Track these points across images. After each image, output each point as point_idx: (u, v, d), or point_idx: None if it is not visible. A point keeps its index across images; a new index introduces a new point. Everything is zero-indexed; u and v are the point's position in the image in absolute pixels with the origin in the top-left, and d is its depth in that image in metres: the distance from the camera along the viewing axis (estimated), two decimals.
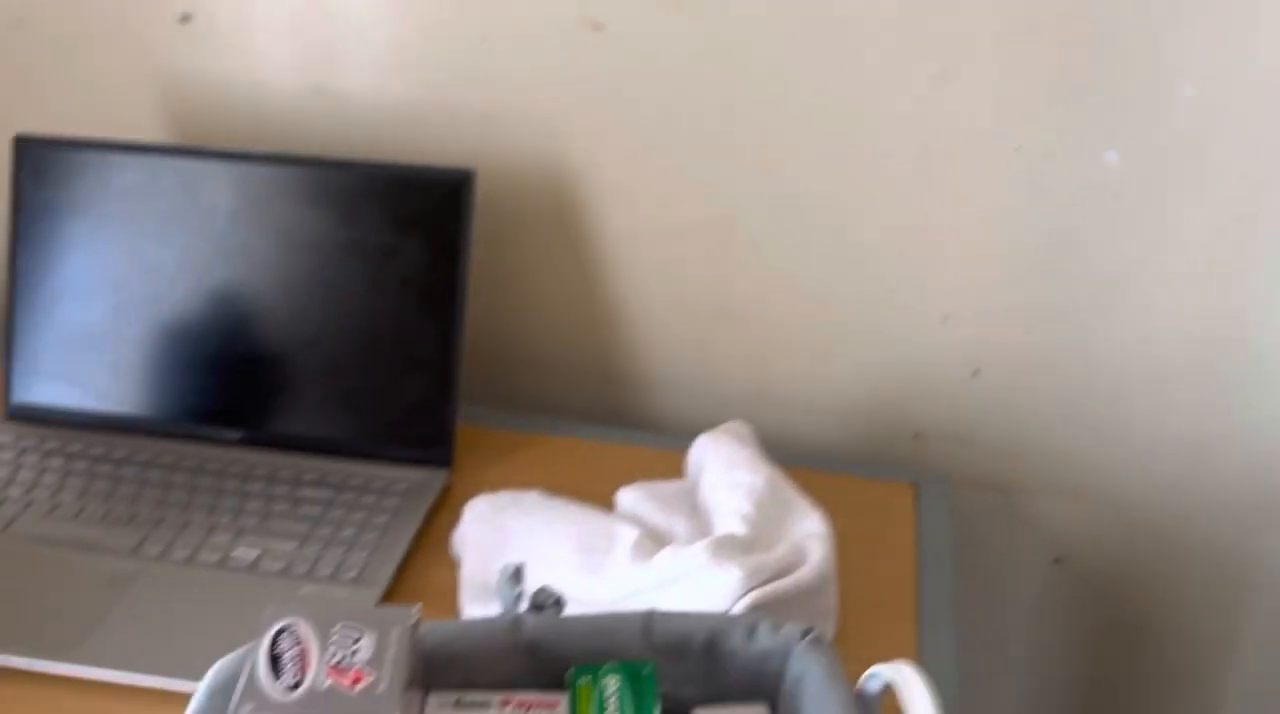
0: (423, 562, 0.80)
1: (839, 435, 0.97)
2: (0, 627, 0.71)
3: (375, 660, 0.48)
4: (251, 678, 0.47)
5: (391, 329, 0.86)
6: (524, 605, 0.57)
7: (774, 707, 0.56)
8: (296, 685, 0.46)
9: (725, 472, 0.78)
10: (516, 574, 0.57)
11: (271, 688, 0.46)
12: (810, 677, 0.53)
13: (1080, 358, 0.91)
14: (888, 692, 0.53)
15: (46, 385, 0.90)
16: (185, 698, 0.67)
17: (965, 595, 1.01)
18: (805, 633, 0.55)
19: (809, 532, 0.73)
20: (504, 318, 0.99)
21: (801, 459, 0.92)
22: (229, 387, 0.88)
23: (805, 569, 0.69)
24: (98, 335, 0.89)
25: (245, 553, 0.77)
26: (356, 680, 0.47)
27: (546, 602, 0.57)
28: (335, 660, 0.48)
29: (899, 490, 0.89)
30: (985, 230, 0.87)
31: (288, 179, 0.86)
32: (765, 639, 0.55)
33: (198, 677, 0.68)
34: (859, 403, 0.96)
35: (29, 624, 0.71)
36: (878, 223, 0.89)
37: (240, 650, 0.52)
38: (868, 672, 0.52)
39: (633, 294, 0.96)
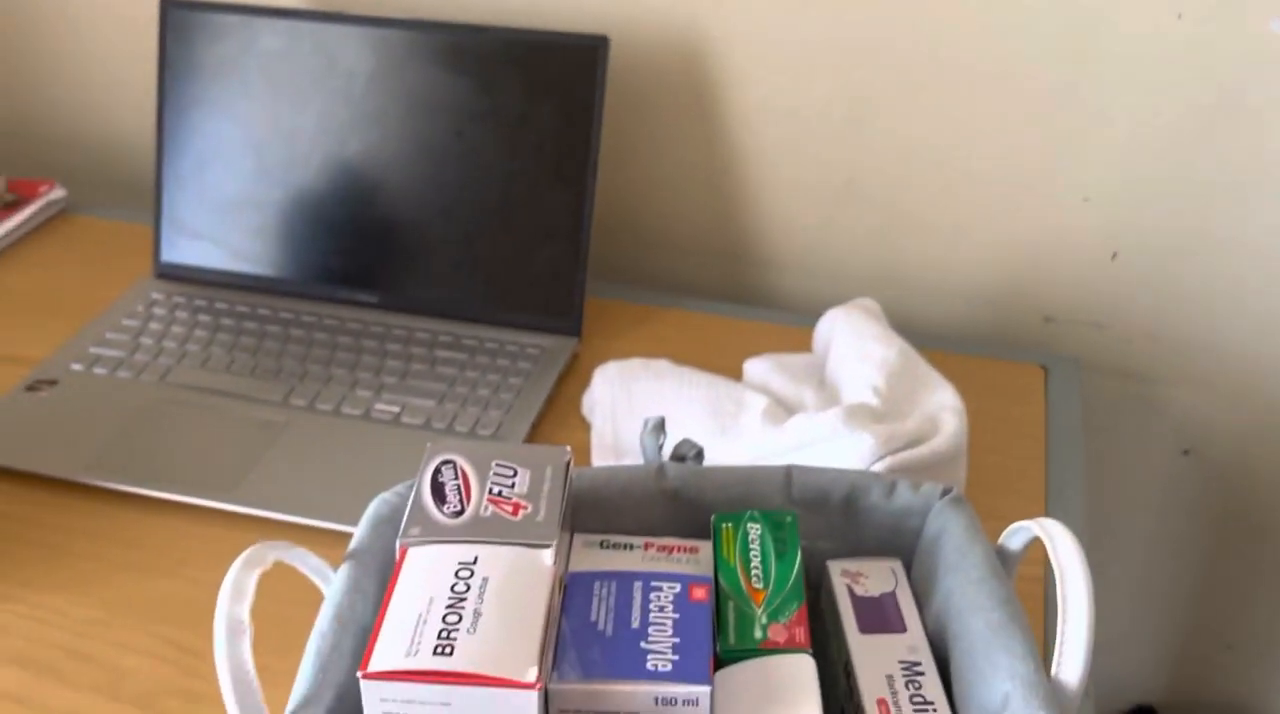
0: (554, 423, 0.82)
1: (965, 317, 0.96)
2: (166, 466, 0.75)
3: (532, 494, 0.50)
4: (417, 505, 0.49)
5: (523, 197, 0.87)
6: (666, 455, 0.59)
7: (908, 563, 0.57)
8: (460, 513, 0.48)
9: (856, 344, 0.77)
10: (659, 425, 0.58)
11: (437, 513, 0.48)
12: (950, 532, 0.54)
13: (1226, 243, 0.87)
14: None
15: (192, 245, 0.94)
16: (334, 535, 0.71)
17: (1091, 483, 1.01)
18: (945, 491, 0.56)
19: (942, 404, 0.73)
20: (631, 194, 0.99)
21: (927, 340, 0.91)
22: (365, 251, 0.91)
23: (939, 439, 0.69)
24: (240, 198, 0.92)
25: (386, 407, 0.80)
26: (516, 510, 0.49)
27: (688, 453, 0.58)
28: (495, 492, 0.50)
29: (1028, 373, 0.88)
30: (1137, 105, 0.84)
31: (424, 44, 0.87)
32: (904, 496, 0.56)
33: (344, 518, 0.72)
34: (989, 284, 0.94)
35: (192, 464, 0.76)
36: (1020, 96, 0.86)
37: (400, 486, 0.54)
38: (1010, 527, 0.53)
39: (760, 170, 0.95)
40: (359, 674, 0.42)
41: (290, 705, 0.44)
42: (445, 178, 0.88)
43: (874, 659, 0.51)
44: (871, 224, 0.95)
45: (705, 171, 0.96)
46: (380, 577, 0.50)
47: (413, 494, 0.50)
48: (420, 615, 0.43)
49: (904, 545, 0.57)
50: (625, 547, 0.55)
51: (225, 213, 0.93)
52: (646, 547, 0.55)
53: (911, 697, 0.49)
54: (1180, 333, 0.92)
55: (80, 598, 0.68)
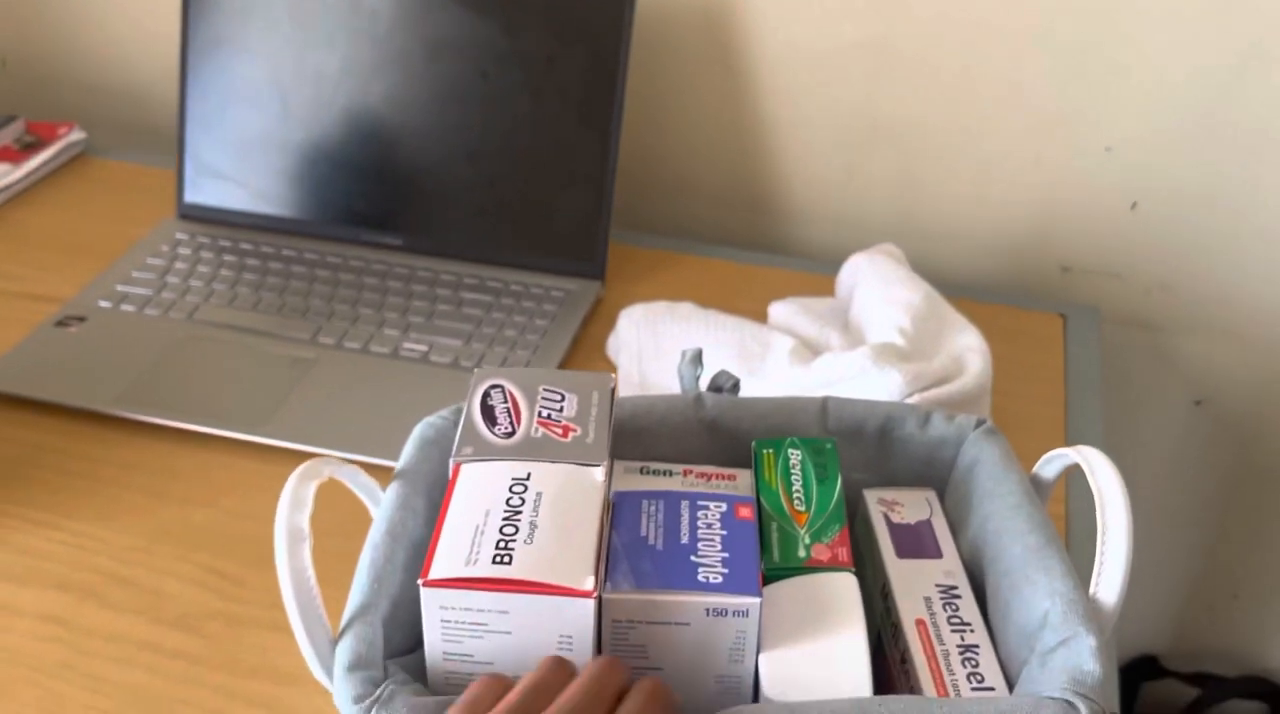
0: (579, 364, 0.82)
1: (984, 267, 0.97)
2: (198, 400, 0.76)
3: (580, 417, 0.50)
4: (468, 426, 0.50)
5: (549, 140, 0.88)
6: (703, 386, 0.59)
7: (941, 493, 0.58)
8: (510, 434, 0.49)
9: (881, 288, 0.78)
10: (697, 356, 0.59)
11: (488, 434, 0.49)
12: (984, 461, 0.55)
13: (1246, 195, 0.88)
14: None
15: (216, 186, 0.94)
16: (368, 468, 0.72)
17: (1105, 431, 1.02)
18: (979, 422, 0.57)
19: (967, 345, 0.74)
20: (653, 140, 0.99)
21: (946, 289, 0.92)
22: (389, 193, 0.91)
23: (964, 379, 0.70)
24: (264, 139, 0.92)
25: (414, 346, 0.81)
26: (566, 432, 0.49)
27: (725, 384, 0.59)
28: (544, 415, 0.50)
29: (1047, 321, 0.89)
30: (1160, 55, 0.84)
31: None
32: (939, 427, 0.57)
33: (377, 451, 0.73)
34: (1008, 234, 0.95)
35: (223, 398, 0.76)
36: (1044, 45, 0.86)
37: (445, 411, 0.55)
38: (1045, 456, 0.54)
39: (783, 119, 0.95)
40: (419, 582, 0.43)
41: (347, 613, 0.45)
42: (470, 120, 0.88)
43: (911, 583, 0.52)
44: (893, 172, 0.96)
45: (728, 119, 0.97)
46: (428, 496, 0.51)
47: (464, 416, 0.50)
48: (478, 527, 0.44)
49: (937, 476, 0.58)
50: (665, 473, 0.55)
51: (248, 154, 0.93)
52: (685, 473, 0.55)
53: (949, 618, 0.50)
54: (1197, 284, 0.93)
55: (118, 526, 0.68)
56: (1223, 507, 1.03)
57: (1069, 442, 0.79)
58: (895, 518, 0.56)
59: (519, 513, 0.45)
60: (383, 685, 0.43)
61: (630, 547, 0.46)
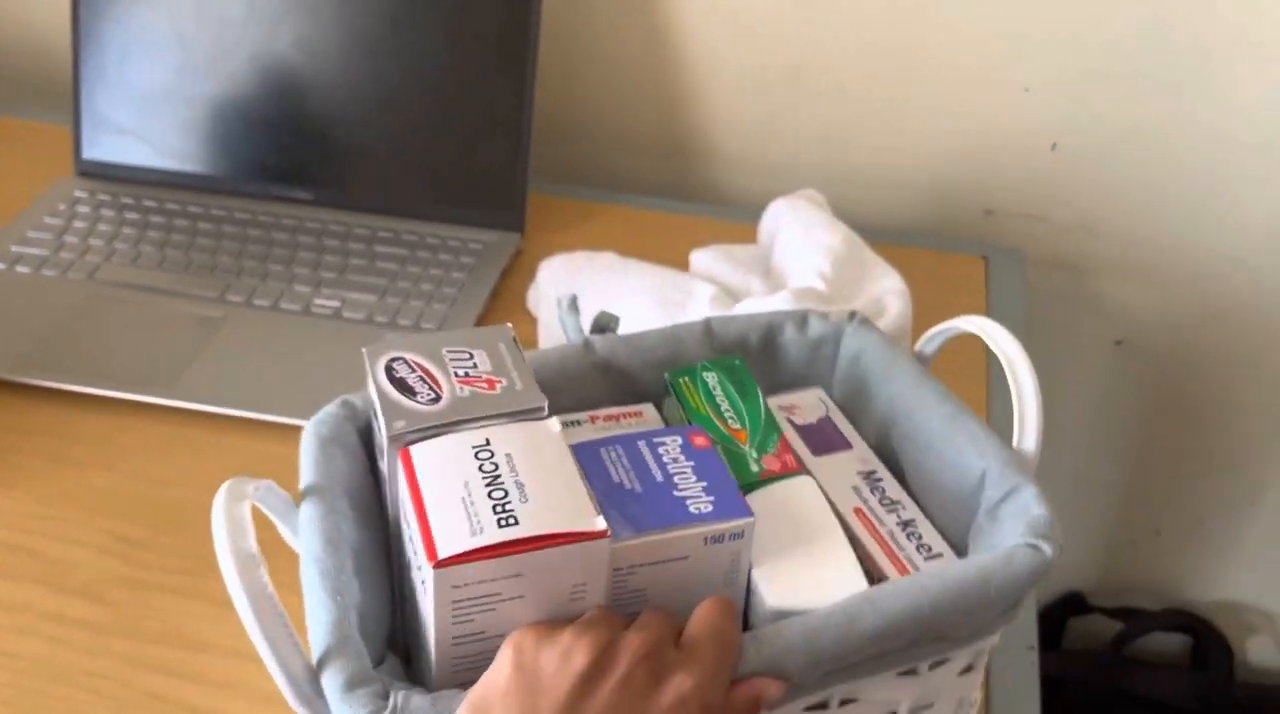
0: (498, 317, 0.81)
1: (907, 211, 0.97)
2: (100, 362, 0.73)
3: (498, 369, 0.48)
4: (387, 403, 0.46)
5: (463, 88, 0.85)
6: (586, 330, 0.58)
7: (828, 390, 0.58)
8: (436, 399, 0.47)
9: (802, 233, 0.78)
10: (573, 303, 0.58)
11: (413, 405, 0.46)
12: (870, 350, 0.56)
13: (1164, 133, 0.89)
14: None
15: (116, 141, 0.90)
16: (279, 428, 0.70)
17: None
18: (852, 315, 0.57)
19: (887, 287, 0.73)
20: (572, 88, 0.97)
21: (869, 234, 0.91)
22: (298, 146, 0.88)
23: (884, 320, 0.70)
24: (166, 91, 0.88)
25: (326, 302, 0.79)
26: (492, 385, 0.47)
27: (608, 324, 0.58)
28: (461, 374, 0.48)
29: (970, 263, 0.89)
30: None
31: None
32: (817, 327, 0.58)
33: (289, 410, 0.70)
34: (931, 177, 0.95)
35: (127, 360, 0.73)
36: None
37: (330, 406, 0.51)
38: (930, 332, 0.55)
39: (705, 64, 0.94)
40: (430, 564, 0.40)
41: (322, 634, 0.42)
42: (380, 68, 0.85)
43: (835, 476, 0.53)
44: (816, 118, 0.95)
45: (648, 64, 0.95)
46: (350, 497, 0.48)
47: (374, 393, 0.47)
48: (464, 500, 0.42)
49: (819, 374, 0.59)
50: (574, 423, 0.54)
51: (150, 107, 0.89)
52: (593, 420, 0.54)
53: (880, 500, 0.52)
54: (1116, 225, 0.94)
55: (17, 494, 0.66)
56: (1142, 444, 1.05)
57: (991, 382, 0.79)
58: (798, 420, 0.56)
59: (499, 477, 0.43)
60: (393, 695, 0.40)
61: (610, 495, 0.45)
